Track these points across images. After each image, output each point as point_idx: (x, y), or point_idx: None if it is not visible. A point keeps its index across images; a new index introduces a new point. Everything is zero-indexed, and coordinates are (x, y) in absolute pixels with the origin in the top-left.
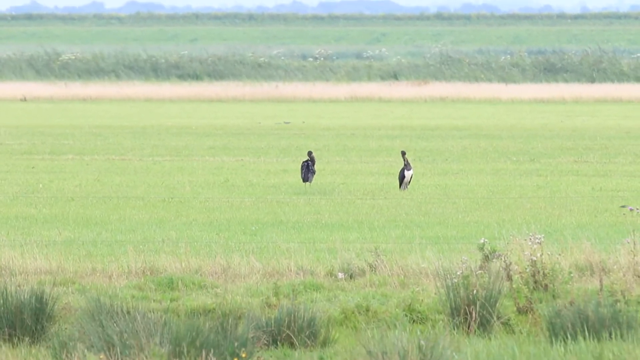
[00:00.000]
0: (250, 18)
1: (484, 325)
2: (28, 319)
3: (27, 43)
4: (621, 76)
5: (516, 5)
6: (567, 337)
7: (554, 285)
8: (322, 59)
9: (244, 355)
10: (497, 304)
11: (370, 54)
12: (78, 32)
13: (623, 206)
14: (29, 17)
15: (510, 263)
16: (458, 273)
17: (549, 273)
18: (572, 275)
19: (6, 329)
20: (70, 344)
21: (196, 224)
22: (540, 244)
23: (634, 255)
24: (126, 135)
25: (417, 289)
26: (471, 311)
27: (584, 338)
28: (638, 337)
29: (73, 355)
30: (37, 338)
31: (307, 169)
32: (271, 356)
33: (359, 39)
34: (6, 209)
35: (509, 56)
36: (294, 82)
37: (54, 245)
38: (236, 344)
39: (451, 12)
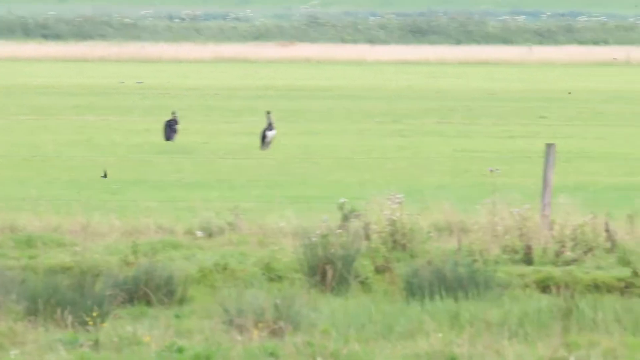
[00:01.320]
0: None
1: (342, 284)
2: None
3: None
4: (487, 38)
5: None
6: (424, 296)
7: (412, 245)
8: (188, 20)
9: (95, 314)
10: (355, 263)
11: (237, 15)
12: None
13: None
14: None
15: (369, 223)
16: (317, 232)
17: (407, 233)
18: (430, 235)
19: None
20: None
21: (58, 183)
22: (400, 203)
23: (493, 216)
24: None
25: (276, 248)
26: (329, 270)
27: (441, 297)
28: (494, 296)
29: None
30: None
31: (170, 128)
32: (128, 314)
33: (226, 0)
34: None
35: (377, 18)
36: (160, 43)
37: None
38: (91, 302)
39: None
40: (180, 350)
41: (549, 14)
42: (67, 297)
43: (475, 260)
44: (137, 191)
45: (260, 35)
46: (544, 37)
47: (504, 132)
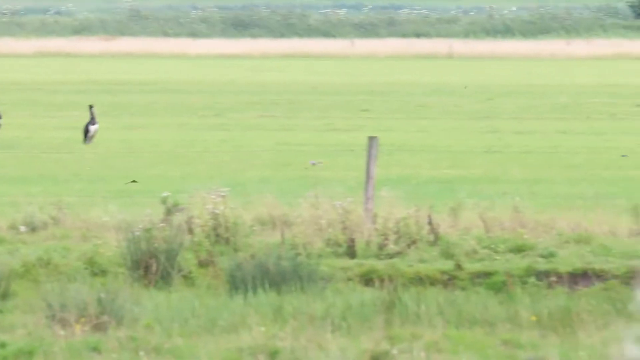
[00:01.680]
0: None
1: (165, 279)
2: None
3: None
4: (309, 31)
5: None
6: (247, 290)
7: (235, 239)
8: (9, 14)
9: None
10: (178, 257)
11: (58, 9)
12: None
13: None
14: None
15: (192, 217)
16: (140, 226)
17: (230, 226)
18: (254, 228)
19: None
20: None
21: None
22: (223, 197)
23: (316, 209)
24: None
25: (99, 242)
26: (152, 264)
27: (264, 291)
28: (318, 289)
29: None
30: None
31: None
32: None
33: None
34: None
35: (198, 11)
36: None
37: None
38: None
39: None
40: (2, 345)
41: (371, 7)
42: None
43: (298, 254)
44: None
45: (82, 29)
46: (366, 30)
47: (326, 126)
